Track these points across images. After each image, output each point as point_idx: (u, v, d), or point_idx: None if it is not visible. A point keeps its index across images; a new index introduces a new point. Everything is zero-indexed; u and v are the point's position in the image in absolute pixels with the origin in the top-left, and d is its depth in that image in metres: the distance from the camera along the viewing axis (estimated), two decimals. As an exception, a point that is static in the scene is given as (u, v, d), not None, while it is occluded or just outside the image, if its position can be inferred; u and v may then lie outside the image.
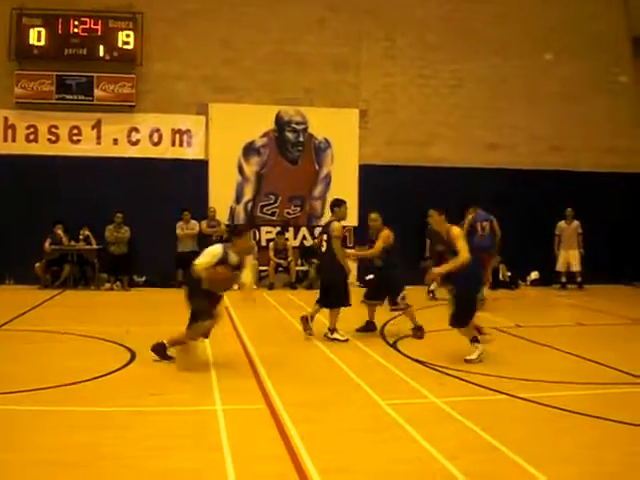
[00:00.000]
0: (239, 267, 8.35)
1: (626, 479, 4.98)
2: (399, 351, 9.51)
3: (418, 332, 10.48)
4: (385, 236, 10.62)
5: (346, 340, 10.13)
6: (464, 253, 8.51)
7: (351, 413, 6.61)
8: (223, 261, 8.13)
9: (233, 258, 8.21)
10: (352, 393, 7.25)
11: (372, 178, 18.02)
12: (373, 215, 11.01)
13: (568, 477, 4.94)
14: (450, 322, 8.82)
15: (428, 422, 6.27)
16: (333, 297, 10.27)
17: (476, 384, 7.59)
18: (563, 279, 18.09)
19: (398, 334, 10.59)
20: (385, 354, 9.28)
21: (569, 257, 18.01)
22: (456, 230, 8.89)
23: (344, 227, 11.73)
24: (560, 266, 18.09)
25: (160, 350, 8.43)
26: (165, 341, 8.43)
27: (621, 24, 19.84)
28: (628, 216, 19.13)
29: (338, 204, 10.52)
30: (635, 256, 18.84)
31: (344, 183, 18.15)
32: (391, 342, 10.11)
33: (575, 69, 19.27)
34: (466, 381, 7.74)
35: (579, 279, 18.05)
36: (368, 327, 10.99)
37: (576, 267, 18.01)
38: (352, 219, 17.80)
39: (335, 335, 10.19)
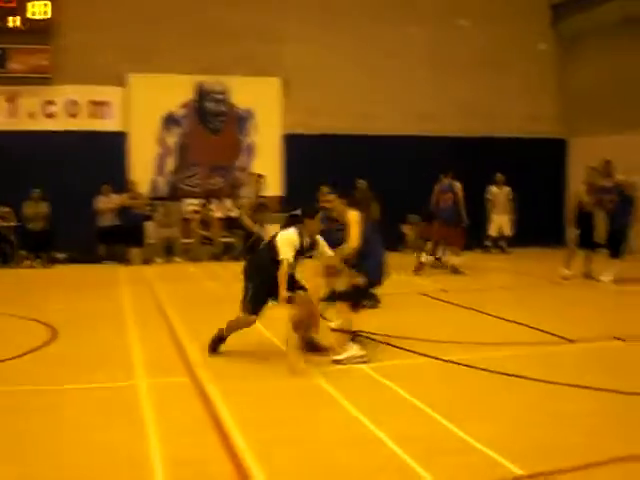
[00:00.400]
0: (312, 248, 7.49)
1: (545, 437, 5.05)
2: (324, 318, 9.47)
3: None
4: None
5: None
6: (352, 243, 7.44)
7: (279, 383, 6.53)
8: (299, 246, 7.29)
9: (306, 240, 7.42)
10: (280, 363, 7.19)
11: (297, 148, 17.90)
12: (327, 192, 9.76)
13: (489, 435, 4.99)
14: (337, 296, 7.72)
15: (355, 388, 6.27)
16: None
17: (402, 348, 7.62)
18: (488, 243, 18.36)
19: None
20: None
21: (501, 222, 18.27)
22: (353, 215, 8.19)
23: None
24: (492, 230, 18.31)
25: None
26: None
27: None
28: (550, 181, 19.57)
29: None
30: (556, 219, 19.26)
31: (268, 153, 18.03)
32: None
33: (496, 36, 19.42)
34: (392, 345, 7.76)
35: (501, 243, 18.35)
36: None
37: (507, 232, 18.32)
38: (276, 189, 17.78)
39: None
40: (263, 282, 7.22)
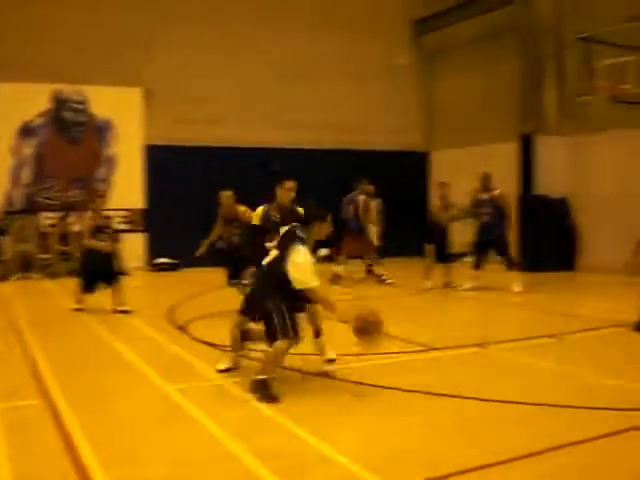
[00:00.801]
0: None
1: (408, 446, 5.01)
2: (188, 334, 9.20)
3: None
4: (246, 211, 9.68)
5: None
6: None
7: (135, 401, 6.24)
8: None
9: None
10: (137, 380, 6.87)
11: (159, 159, 17.49)
12: (227, 193, 10.43)
13: (351, 446, 4.91)
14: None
15: (216, 404, 6.06)
16: None
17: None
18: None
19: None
20: (173, 338, 8.95)
21: (371, 233, 18.38)
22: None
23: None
24: None
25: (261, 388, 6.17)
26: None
27: (400, 6, 20.56)
28: (414, 192, 20.02)
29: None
30: (420, 229, 19.71)
31: (129, 164, 17.54)
32: (180, 325, 9.77)
33: (361, 50, 19.71)
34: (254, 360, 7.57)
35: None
36: None
37: (376, 243, 18.47)
38: (137, 201, 17.34)
39: None
40: (283, 299, 6.26)
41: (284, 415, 5.62)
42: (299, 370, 7.04)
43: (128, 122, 17.75)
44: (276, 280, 6.24)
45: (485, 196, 12.99)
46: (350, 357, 7.48)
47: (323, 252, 18.82)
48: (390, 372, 7.10)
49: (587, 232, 15.91)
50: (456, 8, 19.24)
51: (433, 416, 5.68)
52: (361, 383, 6.58)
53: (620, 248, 10.17)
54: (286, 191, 7.41)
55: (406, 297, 12.86)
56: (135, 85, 17.66)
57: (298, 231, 6.39)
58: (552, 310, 10.97)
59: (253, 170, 17.36)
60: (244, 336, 6.98)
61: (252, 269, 7.12)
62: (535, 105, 16.52)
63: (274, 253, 6.43)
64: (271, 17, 18.92)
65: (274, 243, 6.59)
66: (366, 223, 14.67)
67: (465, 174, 18.84)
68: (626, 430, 5.21)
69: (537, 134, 16.41)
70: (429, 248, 13.76)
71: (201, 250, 10.82)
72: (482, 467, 4.53)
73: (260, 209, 7.55)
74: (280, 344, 6.10)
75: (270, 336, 6.18)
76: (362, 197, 14.72)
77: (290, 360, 7.25)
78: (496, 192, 13.08)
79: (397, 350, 7.98)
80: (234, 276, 10.53)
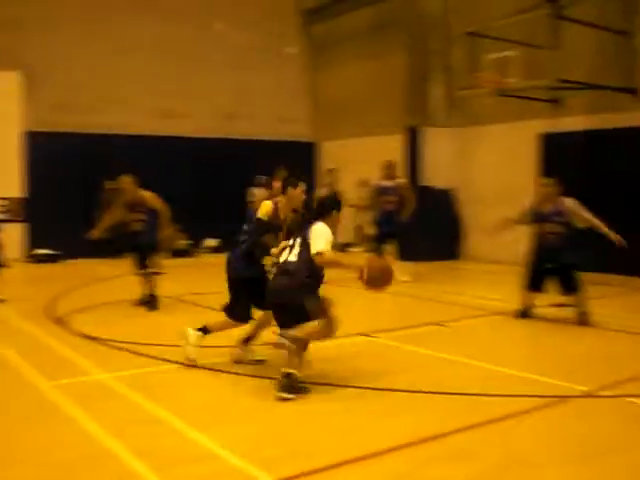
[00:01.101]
0: None
1: (293, 439, 4.92)
2: (67, 328, 8.81)
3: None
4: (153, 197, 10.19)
5: None
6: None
7: (5, 398, 5.89)
8: None
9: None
10: (8, 376, 6.51)
11: (39, 146, 16.73)
12: (126, 178, 10.22)
13: (235, 440, 4.78)
14: None
15: (95, 400, 5.78)
16: None
17: (146, 355, 7.21)
18: None
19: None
20: (50, 331, 8.55)
21: None
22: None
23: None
24: None
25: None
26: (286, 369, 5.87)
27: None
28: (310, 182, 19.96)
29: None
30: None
31: (6, 151, 16.66)
32: (58, 317, 9.35)
33: (249, 39, 19.45)
34: (136, 353, 7.32)
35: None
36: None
37: None
38: (15, 190, 16.63)
39: None
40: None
41: (164, 410, 5.43)
42: (182, 363, 6.83)
43: (4, 107, 16.84)
44: (306, 272, 6.03)
45: (389, 184, 12.91)
46: (230, 349, 7.34)
47: (210, 242, 18.63)
48: (274, 364, 6.97)
49: (471, 222, 16.28)
50: (344, -1, 19.30)
51: (321, 407, 5.60)
52: (244, 374, 6.44)
53: (501, 238, 10.39)
54: (299, 194, 7.04)
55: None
56: (12, 69, 16.76)
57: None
58: (437, 298, 11.15)
59: (136, 158, 16.90)
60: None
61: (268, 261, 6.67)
62: (422, 98, 16.74)
63: (297, 242, 6.16)
64: (158, 3, 18.42)
65: (287, 242, 6.35)
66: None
67: (352, 165, 19.06)
68: (509, 416, 5.28)
69: (423, 126, 16.64)
70: None
71: (96, 233, 10.39)
72: (362, 458, 4.49)
73: (269, 206, 6.89)
74: (314, 324, 5.91)
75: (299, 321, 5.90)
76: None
77: (172, 352, 7.06)
78: (401, 180, 13.10)
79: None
80: (142, 265, 10.27)
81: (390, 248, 12.67)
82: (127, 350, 7.45)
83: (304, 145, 20.65)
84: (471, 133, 16.39)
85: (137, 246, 10.31)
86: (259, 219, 6.74)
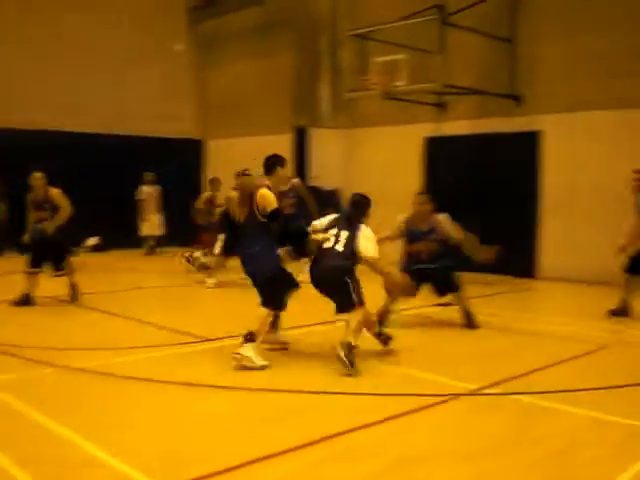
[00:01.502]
0: None
1: (183, 443, 4.78)
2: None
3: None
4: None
5: None
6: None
7: None
8: None
9: None
10: None
11: None
12: (37, 175, 10.07)
13: (121, 446, 4.60)
14: None
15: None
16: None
17: (26, 358, 6.87)
18: (152, 242, 17.94)
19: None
20: None
21: (154, 221, 17.89)
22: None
23: None
24: (146, 230, 17.86)
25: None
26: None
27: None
28: (189, 182, 19.72)
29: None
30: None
31: None
32: None
33: (135, 35, 19.01)
34: (15, 356, 6.97)
35: (152, 243, 18.05)
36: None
37: (160, 231, 18.01)
38: None
39: None
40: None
41: (48, 417, 5.16)
42: (64, 366, 6.55)
43: None
44: (348, 259, 6.90)
45: (285, 187, 12.73)
46: (119, 350, 7.12)
47: (91, 241, 18.04)
48: (164, 365, 6.80)
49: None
50: (233, -3, 19.13)
51: (212, 409, 5.49)
52: (131, 378, 6.24)
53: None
54: (286, 172, 7.48)
55: (188, 288, 12.51)
56: None
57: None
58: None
59: (28, 153, 16.21)
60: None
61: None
62: (310, 98, 16.80)
63: (344, 235, 7.00)
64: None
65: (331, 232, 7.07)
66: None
67: (240, 164, 18.90)
68: (402, 415, 5.32)
69: (311, 127, 16.69)
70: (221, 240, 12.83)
71: (27, 238, 10.13)
72: (253, 461, 4.40)
73: (272, 195, 6.81)
74: (361, 310, 6.83)
75: (347, 307, 6.80)
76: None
77: (53, 355, 6.78)
78: (295, 180, 12.95)
79: (168, 342, 7.69)
80: (59, 266, 9.93)
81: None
82: (6, 353, 7.09)
83: (191, 143, 20.38)
84: (358, 134, 16.56)
85: (43, 244, 9.93)
86: (277, 209, 6.81)
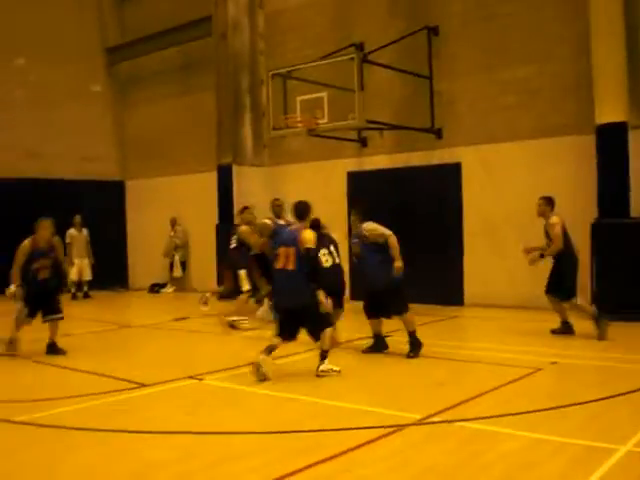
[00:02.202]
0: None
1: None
2: None
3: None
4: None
5: None
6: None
7: None
8: None
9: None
10: None
11: None
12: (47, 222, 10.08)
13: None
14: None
15: None
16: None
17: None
18: (73, 289, 17.49)
19: None
20: None
21: (82, 265, 17.51)
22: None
23: None
24: (74, 275, 17.45)
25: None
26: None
27: (94, 34, 20.01)
28: (112, 223, 19.52)
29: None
30: (121, 261, 19.42)
31: None
32: None
33: (50, 76, 18.76)
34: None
35: (86, 288, 17.70)
36: None
37: (87, 276, 17.64)
38: None
39: None
40: None
41: (-8, 472, 5.01)
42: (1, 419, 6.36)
43: None
44: None
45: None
46: (63, 400, 6.96)
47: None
48: (105, 413, 6.67)
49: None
50: (151, 38, 19.10)
51: (161, 456, 5.38)
52: (74, 428, 6.10)
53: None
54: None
55: (112, 333, 12.32)
56: None
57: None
58: (260, 335, 11.10)
59: None
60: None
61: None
62: (233, 137, 16.87)
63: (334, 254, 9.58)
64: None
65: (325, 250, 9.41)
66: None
67: (163, 203, 18.84)
68: (349, 450, 5.34)
69: (235, 165, 16.76)
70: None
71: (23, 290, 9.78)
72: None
73: (312, 234, 8.02)
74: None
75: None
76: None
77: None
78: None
79: (110, 389, 7.54)
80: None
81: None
82: None
83: (112, 184, 20.13)
84: (283, 171, 16.71)
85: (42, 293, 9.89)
86: (310, 248, 7.87)
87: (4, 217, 17.30)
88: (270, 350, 7.88)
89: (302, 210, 8.28)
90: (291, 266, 7.88)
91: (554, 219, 10.14)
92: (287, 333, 8.02)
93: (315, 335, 8.03)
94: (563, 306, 10.28)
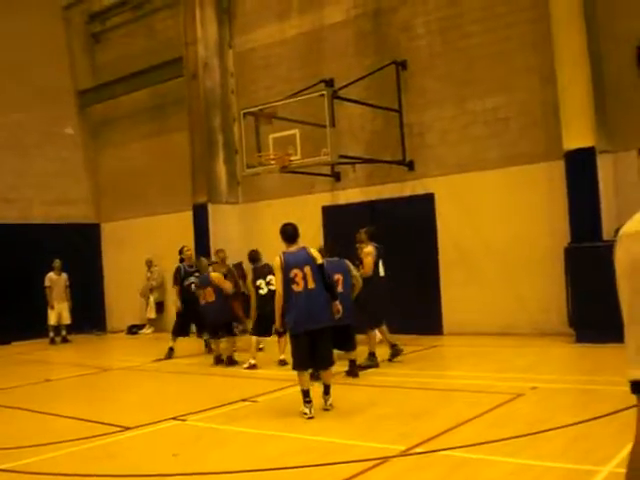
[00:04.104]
0: None
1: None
2: None
3: None
4: None
5: None
6: None
7: None
8: None
9: None
10: None
11: None
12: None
13: None
14: None
15: None
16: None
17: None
18: (52, 334, 17.32)
19: None
20: None
21: (61, 309, 17.36)
22: None
23: None
24: (53, 319, 17.28)
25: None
26: None
27: (65, 77, 20.10)
28: (89, 266, 19.42)
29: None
30: (97, 303, 19.33)
31: None
32: None
33: (22, 120, 18.78)
34: None
35: (64, 332, 17.51)
36: None
37: (67, 320, 17.48)
38: None
39: None
40: None
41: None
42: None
43: None
44: None
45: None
46: (39, 448, 6.91)
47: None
48: (89, 459, 6.63)
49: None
50: (122, 79, 19.22)
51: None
52: (59, 474, 6.06)
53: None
54: None
55: (97, 376, 12.24)
56: None
57: None
58: (244, 374, 11.11)
59: None
60: None
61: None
62: (207, 175, 16.96)
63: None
64: None
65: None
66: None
67: (139, 245, 18.79)
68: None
69: (210, 203, 16.83)
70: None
71: None
72: None
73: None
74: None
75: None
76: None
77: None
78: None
79: (89, 435, 7.48)
80: None
81: None
82: None
83: (87, 227, 20.09)
84: (258, 208, 16.80)
85: None
86: (323, 264, 7.92)
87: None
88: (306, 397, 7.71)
89: (293, 231, 8.16)
90: (312, 285, 7.71)
91: (369, 249, 10.92)
92: (309, 360, 7.83)
93: (349, 346, 9.46)
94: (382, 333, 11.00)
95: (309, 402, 7.63)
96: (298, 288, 7.65)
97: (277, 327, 8.63)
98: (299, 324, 7.71)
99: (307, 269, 7.71)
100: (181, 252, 14.08)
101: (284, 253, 7.85)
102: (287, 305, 7.73)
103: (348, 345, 9.64)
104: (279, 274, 7.73)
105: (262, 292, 11.21)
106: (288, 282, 7.67)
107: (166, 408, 8.68)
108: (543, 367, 9.95)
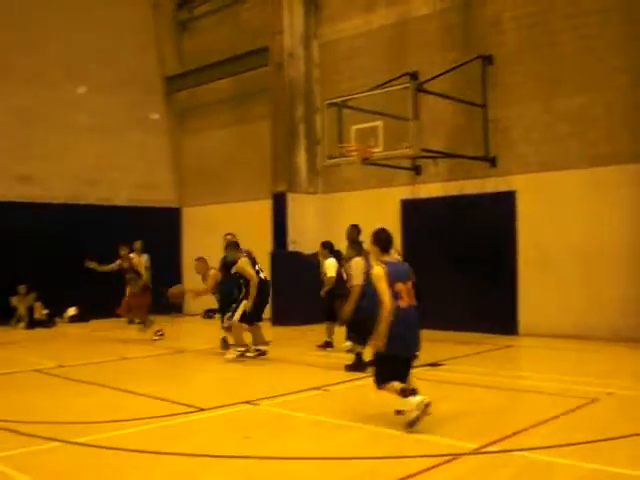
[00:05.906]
0: None
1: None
2: None
3: None
4: None
5: None
6: None
7: None
8: None
9: None
10: None
11: None
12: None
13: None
14: None
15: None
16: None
17: (26, 434, 6.83)
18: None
19: None
20: None
21: None
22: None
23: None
24: None
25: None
26: None
27: (153, 63, 20.54)
28: (167, 248, 19.81)
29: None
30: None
31: None
32: None
33: (110, 103, 19.29)
34: (12, 431, 6.93)
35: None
36: None
37: None
38: None
39: None
40: None
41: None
42: (66, 441, 6.53)
43: None
44: None
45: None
46: (122, 422, 7.11)
47: (71, 311, 18.01)
48: (166, 436, 6.81)
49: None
50: (209, 67, 19.56)
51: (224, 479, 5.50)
52: (137, 450, 6.24)
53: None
54: None
55: (169, 357, 12.53)
56: None
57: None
58: (315, 363, 11.21)
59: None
60: None
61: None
62: (287, 164, 17.11)
63: None
64: (17, 66, 17.98)
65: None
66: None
67: (218, 231, 19.05)
68: (409, 478, 5.38)
69: (289, 193, 16.97)
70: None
71: None
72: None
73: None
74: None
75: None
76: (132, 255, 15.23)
77: (53, 430, 6.75)
78: None
79: (164, 413, 7.67)
80: None
81: None
82: (4, 429, 7.05)
83: (168, 211, 20.52)
84: (336, 199, 16.86)
85: None
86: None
87: (66, 240, 17.76)
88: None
89: (388, 239, 7.22)
90: (414, 302, 7.03)
91: (329, 261, 12.08)
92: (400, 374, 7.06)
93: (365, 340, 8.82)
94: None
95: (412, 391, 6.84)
96: (404, 303, 6.90)
97: (378, 346, 7.14)
98: (405, 348, 6.98)
99: (410, 285, 7.04)
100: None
101: (385, 263, 7.01)
102: (391, 322, 6.79)
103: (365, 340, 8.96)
104: (383, 284, 6.82)
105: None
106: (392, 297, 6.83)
107: (240, 391, 8.83)
108: (621, 372, 9.73)
